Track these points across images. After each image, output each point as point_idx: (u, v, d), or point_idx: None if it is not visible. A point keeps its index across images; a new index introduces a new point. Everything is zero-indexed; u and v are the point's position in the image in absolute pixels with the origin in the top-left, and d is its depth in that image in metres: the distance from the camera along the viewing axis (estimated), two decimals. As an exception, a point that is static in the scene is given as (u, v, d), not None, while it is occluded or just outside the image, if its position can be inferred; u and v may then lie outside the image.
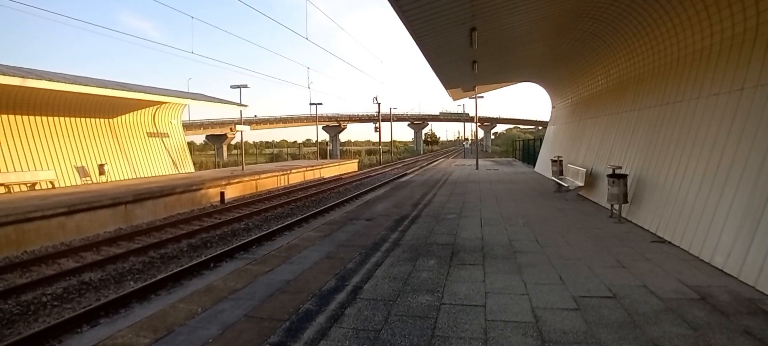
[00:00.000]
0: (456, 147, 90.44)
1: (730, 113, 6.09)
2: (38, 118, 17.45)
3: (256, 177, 21.21)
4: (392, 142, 70.22)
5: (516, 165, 28.50)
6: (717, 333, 3.71)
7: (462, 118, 51.51)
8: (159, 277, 7.71)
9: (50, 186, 16.83)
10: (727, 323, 3.89)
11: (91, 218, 11.87)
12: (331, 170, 31.54)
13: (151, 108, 23.06)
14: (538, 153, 23.65)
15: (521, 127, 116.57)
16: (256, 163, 38.35)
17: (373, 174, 31.30)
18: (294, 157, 58.24)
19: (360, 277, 5.41)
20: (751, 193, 5.27)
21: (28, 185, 16.16)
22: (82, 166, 18.80)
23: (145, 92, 20.11)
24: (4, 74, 13.53)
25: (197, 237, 11.26)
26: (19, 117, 16.72)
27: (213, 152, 68.96)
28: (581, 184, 11.63)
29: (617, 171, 8.70)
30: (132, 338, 3.84)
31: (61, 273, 8.09)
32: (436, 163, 37.90)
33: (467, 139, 77.79)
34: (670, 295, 4.60)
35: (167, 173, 23.38)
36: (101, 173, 19.19)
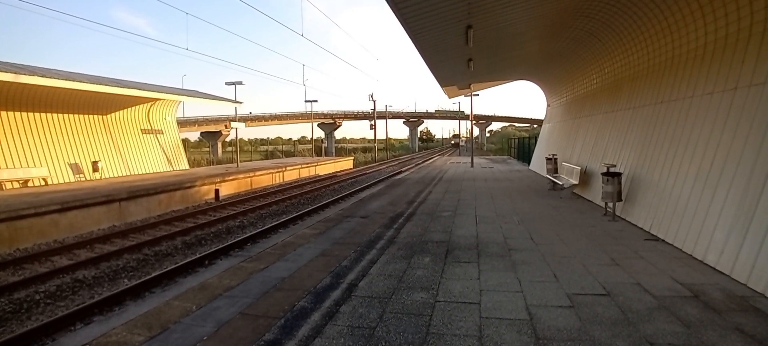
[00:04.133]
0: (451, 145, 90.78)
1: (723, 112, 6.13)
2: (31, 114, 17.30)
3: (251, 174, 21.15)
4: (387, 140, 70.20)
5: (511, 163, 28.58)
6: (709, 330, 3.74)
7: (457, 115, 51.58)
8: (153, 274, 7.67)
9: (43, 183, 16.70)
10: (719, 321, 3.93)
11: (85, 216, 11.79)
12: (326, 168, 31.50)
13: (146, 105, 22.91)
14: (533, 151, 23.74)
15: (516, 125, 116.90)
16: (251, 161, 38.24)
17: (368, 171, 31.30)
18: (289, 154, 58.11)
19: (355, 274, 5.41)
20: (744, 191, 5.31)
21: (21, 182, 16.04)
22: (76, 163, 18.65)
23: (139, 89, 19.96)
24: (-5, 70, 13.40)
25: (192, 234, 11.22)
26: (11, 113, 16.56)
27: (208, 149, 68.66)
28: (576, 182, 11.68)
29: (611, 169, 8.73)
30: (126, 335, 3.82)
31: (55, 271, 8.04)
32: (431, 160, 37.95)
33: (458, 135, 77.41)
34: (663, 292, 4.63)
35: (162, 170, 23.25)
36: (95, 169, 19.05)
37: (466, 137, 68.79)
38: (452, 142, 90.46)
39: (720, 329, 3.77)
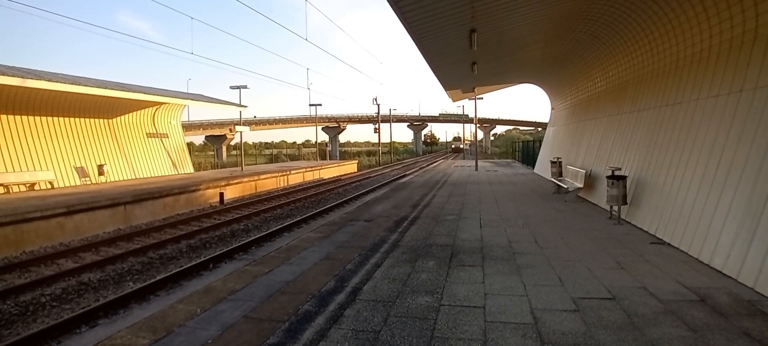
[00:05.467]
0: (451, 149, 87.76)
1: (729, 115, 6.10)
2: (37, 118, 17.43)
3: (256, 178, 21.21)
4: (392, 144, 70.19)
5: (515, 166, 28.51)
6: (716, 335, 3.71)
7: (461, 119, 51.52)
8: (158, 278, 7.70)
9: (49, 186, 16.81)
10: (726, 325, 3.90)
11: (90, 219, 11.86)
12: (330, 171, 31.54)
13: (151, 108, 23.06)
14: (538, 154, 23.67)
15: (521, 128, 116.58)
16: (255, 164, 38.35)
17: (372, 175, 31.29)
18: (293, 158, 58.24)
19: (359, 278, 5.41)
20: (750, 194, 5.28)
21: (27, 185, 16.15)
22: (82, 167, 18.79)
23: (144, 93, 20.10)
24: (3, 74, 13.51)
25: (196, 238, 11.25)
26: (18, 117, 16.70)
27: (212, 153, 68.94)
28: (580, 185, 11.64)
29: (616, 172, 8.70)
30: (131, 339, 3.84)
31: (60, 274, 8.08)
32: (435, 164, 37.91)
33: (459, 138, 75.36)
34: (669, 296, 4.60)
35: (167, 174, 23.37)
36: (100, 173, 19.18)
37: (469, 141, 67.96)
38: (452, 146, 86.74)
39: (727, 333, 3.74)
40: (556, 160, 14.73)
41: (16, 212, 10.17)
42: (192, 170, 26.49)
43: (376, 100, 48.37)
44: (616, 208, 8.71)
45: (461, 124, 70.13)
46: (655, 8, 8.10)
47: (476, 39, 10.67)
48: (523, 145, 33.43)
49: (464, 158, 47.44)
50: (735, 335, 3.70)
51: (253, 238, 10.74)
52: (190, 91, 39.53)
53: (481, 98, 27.19)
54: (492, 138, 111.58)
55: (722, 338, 3.64)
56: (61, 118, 18.42)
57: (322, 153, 47.80)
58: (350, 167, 37.10)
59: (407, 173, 30.43)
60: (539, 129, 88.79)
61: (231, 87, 25.00)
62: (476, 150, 30.16)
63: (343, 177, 29.61)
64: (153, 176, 22.46)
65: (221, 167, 36.95)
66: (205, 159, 52.35)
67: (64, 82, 15.86)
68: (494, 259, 6.17)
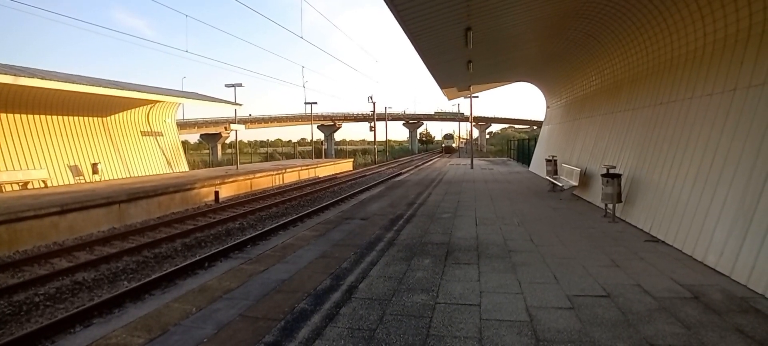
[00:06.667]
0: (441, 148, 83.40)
1: (722, 113, 6.14)
2: (31, 116, 17.30)
3: (251, 176, 21.14)
4: (387, 142, 70.13)
5: (511, 164, 28.58)
6: (709, 331, 3.74)
7: (457, 117, 51.56)
8: (153, 276, 7.66)
9: (43, 185, 16.69)
10: (719, 322, 3.93)
11: (84, 218, 11.78)
12: (326, 170, 31.49)
13: (145, 107, 22.93)
14: (533, 153, 23.74)
15: (516, 126, 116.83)
16: (250, 163, 38.23)
17: (368, 173, 31.28)
18: (289, 156, 58.07)
19: (355, 276, 5.41)
20: (743, 192, 5.32)
21: (21, 184, 16.02)
22: (76, 165, 18.65)
23: (138, 91, 19.98)
24: (-5, 72, 13.40)
25: (191, 236, 11.20)
26: (11, 115, 16.57)
27: (207, 151, 68.57)
28: (575, 183, 11.68)
29: (611, 171, 8.73)
30: (126, 338, 3.82)
31: (54, 273, 8.03)
32: (430, 162, 37.93)
33: (451, 135, 72.56)
34: (663, 294, 4.63)
35: (161, 172, 23.25)
36: (95, 171, 19.05)
37: (465, 139, 67.13)
38: (443, 145, 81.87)
39: (720, 330, 3.77)
40: (551, 158, 14.77)
41: (9, 211, 10.09)
42: (187, 169, 26.38)
43: (371, 98, 48.49)
44: (610, 206, 8.76)
45: (456, 122, 69.84)
46: (650, 7, 8.14)
47: (472, 37, 10.68)
48: (519, 144, 33.50)
49: (460, 156, 47.46)
50: (728, 331, 3.74)
51: (248, 236, 10.70)
52: (184, 90, 39.38)
53: (477, 96, 27.23)
54: (487, 136, 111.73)
55: (715, 335, 3.67)
56: (54, 117, 18.28)
57: (317, 151, 47.69)
58: (346, 166, 37.06)
59: (403, 171, 30.44)
60: (535, 127, 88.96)
61: (226, 85, 24.94)
62: (472, 149, 30.16)
63: (338, 175, 29.58)
64: (148, 174, 22.34)
65: (216, 166, 36.82)
66: (200, 157, 52.10)
67: (57, 80, 15.73)
68: (490, 257, 6.19)
